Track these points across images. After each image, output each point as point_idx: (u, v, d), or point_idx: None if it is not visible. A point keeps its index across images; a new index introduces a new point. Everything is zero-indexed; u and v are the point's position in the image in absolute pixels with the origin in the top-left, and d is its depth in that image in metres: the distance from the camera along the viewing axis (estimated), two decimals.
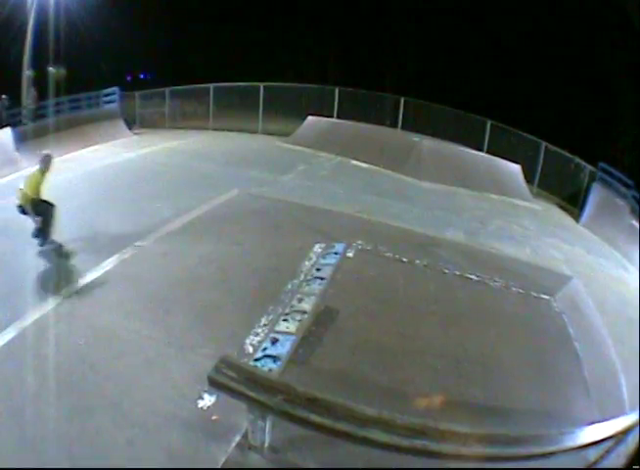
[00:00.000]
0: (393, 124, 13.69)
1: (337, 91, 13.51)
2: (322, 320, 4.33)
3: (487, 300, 5.36)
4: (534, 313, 5.19)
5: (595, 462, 2.67)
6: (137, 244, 5.55)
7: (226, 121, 13.45)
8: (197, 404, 3.21)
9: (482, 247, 6.82)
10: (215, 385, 2.73)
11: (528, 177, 10.64)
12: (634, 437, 2.49)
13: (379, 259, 5.87)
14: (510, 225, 7.98)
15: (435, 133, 13.07)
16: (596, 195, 11.44)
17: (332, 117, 13.11)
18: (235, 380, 2.65)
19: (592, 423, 2.60)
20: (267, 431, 2.82)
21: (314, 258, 5.28)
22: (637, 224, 11.36)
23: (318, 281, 4.34)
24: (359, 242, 6.15)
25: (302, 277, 4.84)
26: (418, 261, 5.88)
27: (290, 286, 4.83)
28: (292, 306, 3.96)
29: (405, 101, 13.59)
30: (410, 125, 13.78)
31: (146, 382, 3.40)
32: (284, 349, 3.33)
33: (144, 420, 3.04)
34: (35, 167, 5.18)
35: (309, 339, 4.00)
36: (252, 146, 11.91)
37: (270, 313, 4.32)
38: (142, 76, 19.78)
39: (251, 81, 13.49)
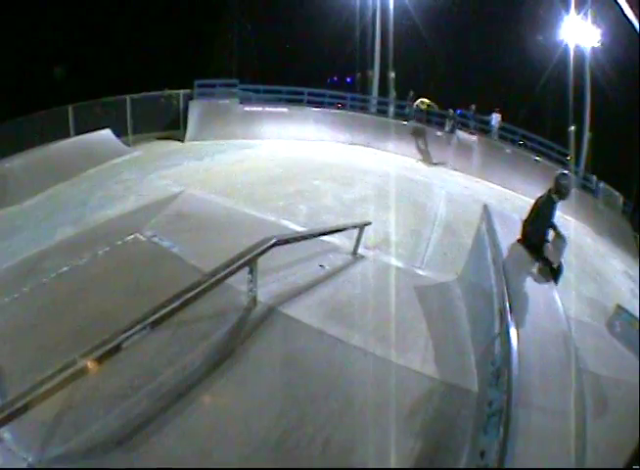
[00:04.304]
0: None
1: None
2: None
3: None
4: (133, 252, 5.81)
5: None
6: None
7: None
8: None
9: (93, 224, 7.00)
10: None
11: (124, 131, 11.19)
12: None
13: None
14: (113, 187, 8.32)
15: (30, 145, 12.07)
16: (195, 110, 12.93)
17: None
18: None
19: None
20: None
21: None
22: (256, 107, 13.82)
23: None
24: None
25: None
26: (25, 289, 5.55)
27: None
28: None
29: None
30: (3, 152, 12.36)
31: None
32: None
33: None
34: None
35: None
36: None
37: None
38: None
39: None
